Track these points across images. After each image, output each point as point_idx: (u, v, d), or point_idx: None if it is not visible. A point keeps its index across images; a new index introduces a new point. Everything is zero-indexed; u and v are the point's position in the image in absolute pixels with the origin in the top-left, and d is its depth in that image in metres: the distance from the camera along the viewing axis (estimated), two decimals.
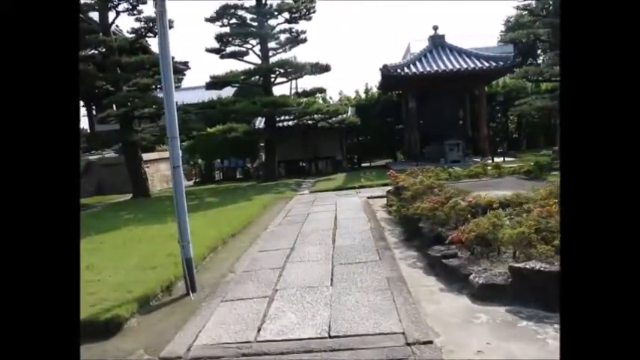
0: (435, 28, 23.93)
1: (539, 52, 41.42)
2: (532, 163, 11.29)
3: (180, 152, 5.97)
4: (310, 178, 22.08)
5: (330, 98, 28.12)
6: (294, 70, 20.23)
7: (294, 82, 24.77)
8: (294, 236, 8.78)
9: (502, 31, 40.16)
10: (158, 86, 20.65)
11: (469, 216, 6.97)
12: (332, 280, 5.91)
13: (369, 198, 13.53)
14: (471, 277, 5.32)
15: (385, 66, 21.41)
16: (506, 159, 21.51)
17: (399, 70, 21.61)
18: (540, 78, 24.33)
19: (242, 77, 20.58)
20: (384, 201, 12.37)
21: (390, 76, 21.65)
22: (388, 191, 11.92)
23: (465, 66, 21.77)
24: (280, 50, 21.22)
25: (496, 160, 21.23)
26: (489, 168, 12.45)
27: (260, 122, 24.49)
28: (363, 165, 29.34)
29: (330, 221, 10.05)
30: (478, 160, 23.17)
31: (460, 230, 6.05)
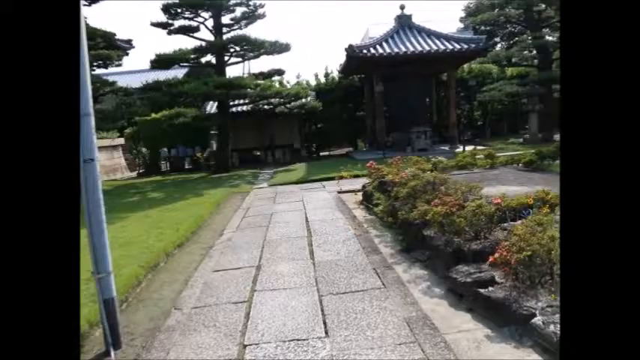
0: (402, 7, 22.23)
1: (497, 39, 40.61)
2: (533, 152, 9.74)
3: (94, 138, 3.89)
4: (267, 168, 20.07)
5: (288, 82, 26.07)
6: (251, 49, 18.05)
7: (249, 65, 22.64)
8: (258, 247, 6.85)
9: (462, 17, 38.97)
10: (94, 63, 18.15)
11: (493, 222, 5.28)
12: (325, 324, 4.03)
13: (340, 193, 11.71)
14: (536, 320, 3.61)
15: (350, 46, 19.58)
16: (477, 147, 20.17)
17: (365, 51, 19.83)
18: (511, 62, 23.17)
19: (192, 56, 18.22)
20: (358, 197, 10.60)
21: (356, 58, 19.84)
22: (365, 186, 10.13)
23: (435, 48, 20.20)
24: (235, 27, 18.95)
25: (467, 148, 19.89)
26: (479, 158, 10.85)
27: (212, 107, 22.23)
28: (322, 154, 27.53)
29: (300, 224, 8.16)
30: (446, 148, 21.80)
31: (504, 247, 4.28)
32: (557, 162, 9.66)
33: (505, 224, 5.44)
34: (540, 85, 21.47)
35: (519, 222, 5.58)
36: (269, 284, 5.14)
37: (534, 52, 22.60)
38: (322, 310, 4.32)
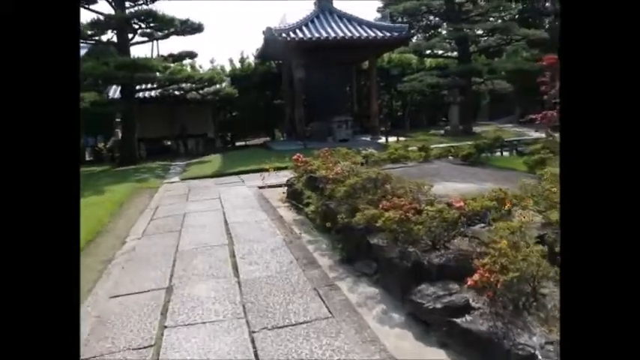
0: None
1: (413, 30, 40.91)
2: (471, 144, 9.14)
3: None
4: (179, 160, 18.46)
5: (200, 67, 24.33)
6: (159, 27, 16.30)
7: (157, 46, 20.81)
8: (169, 259, 5.62)
9: (380, 7, 38.81)
10: None
11: (454, 230, 4.47)
12: None
13: (260, 188, 10.60)
14: None
15: (269, 29, 18.38)
16: (399, 138, 19.76)
17: (284, 35, 18.66)
18: (432, 53, 23.00)
19: (89, 32, 16.14)
20: (281, 192, 9.57)
21: (274, 41, 18.64)
22: (291, 181, 9.10)
23: (357, 34, 19.44)
24: (140, 1, 17.06)
25: (390, 139, 19.42)
26: (412, 150, 10.15)
27: (115, 92, 20.16)
28: (237, 144, 26.13)
29: (219, 228, 6.99)
30: (367, 139, 21.21)
31: (484, 267, 3.41)
32: (497, 154, 9.17)
33: (462, 229, 4.63)
34: (460, 77, 21.38)
35: (480, 227, 4.83)
36: (183, 316, 3.97)
37: (453, 43, 22.49)
38: (255, 355, 3.25)
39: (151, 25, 16.31)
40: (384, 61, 25.91)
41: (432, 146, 10.93)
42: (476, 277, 3.36)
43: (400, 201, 4.74)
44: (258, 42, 21.43)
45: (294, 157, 8.63)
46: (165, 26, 16.32)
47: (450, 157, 9.74)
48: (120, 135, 19.45)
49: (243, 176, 12.69)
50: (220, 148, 21.64)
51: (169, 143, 22.41)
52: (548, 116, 8.01)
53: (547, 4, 28.74)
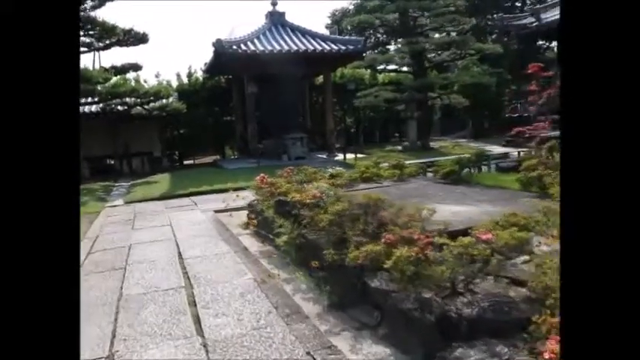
0: (274, 3, 20.39)
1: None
2: (452, 161, 8.32)
3: None
4: (123, 180, 16.95)
5: (145, 81, 22.83)
6: (100, 35, 14.87)
7: (99, 58, 19.30)
8: (110, 310, 4.43)
9: (328, 24, 38.50)
10: None
11: (483, 271, 3.55)
12: None
13: (217, 212, 9.46)
14: None
15: (219, 41, 17.27)
16: (358, 155, 19.00)
17: (234, 47, 17.62)
18: (386, 68, 22.48)
19: None
20: (241, 217, 8.50)
21: (225, 54, 17.54)
22: (253, 204, 8.02)
23: (311, 48, 18.62)
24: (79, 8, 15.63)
25: (348, 156, 18.62)
26: (383, 167, 9.27)
27: None
28: (185, 163, 24.72)
29: (172, 265, 5.82)
30: (324, 156, 20.35)
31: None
32: (483, 172, 8.42)
33: (493, 267, 3.71)
34: (417, 92, 20.91)
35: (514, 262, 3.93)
36: None
37: (407, 58, 22.05)
38: None
39: (90, 32, 14.83)
40: (336, 77, 25.17)
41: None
42: (552, 345, 2.42)
43: (409, 233, 3.78)
44: (207, 56, 20.36)
45: (258, 177, 7.56)
46: (106, 35, 14.91)
47: (427, 175, 8.93)
48: None
49: (195, 198, 11.46)
50: (168, 167, 20.22)
51: (112, 162, 20.77)
52: (539, 128, 7.30)
53: (495, 19, 28.94)
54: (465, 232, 4.06)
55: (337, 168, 9.35)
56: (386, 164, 9.46)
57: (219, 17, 74.06)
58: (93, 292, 5.01)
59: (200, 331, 3.82)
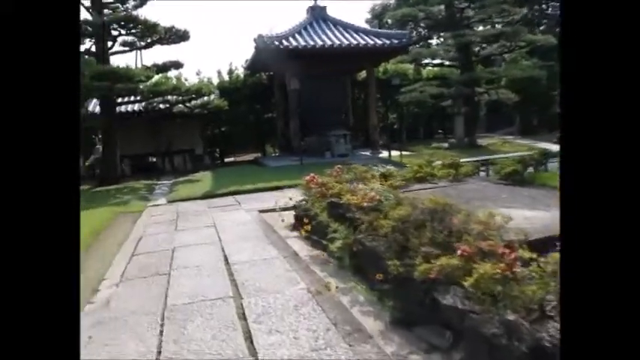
0: None
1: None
2: (514, 160, 7.74)
3: None
4: (165, 178, 16.91)
5: (186, 79, 22.84)
6: (142, 33, 14.81)
7: (141, 57, 19.34)
8: (154, 323, 4.11)
9: (368, 19, 37.84)
10: None
11: None
12: None
13: (262, 212, 9.13)
14: None
15: (260, 37, 17.02)
16: (403, 152, 18.42)
17: (276, 43, 17.32)
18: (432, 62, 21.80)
19: None
20: (288, 217, 8.15)
21: (266, 50, 17.29)
22: (299, 205, 7.64)
23: (354, 42, 18.15)
24: (121, 8, 15.55)
25: (393, 153, 18.07)
26: (436, 166, 8.74)
27: (95, 106, 18.58)
28: (226, 160, 24.64)
29: (219, 271, 5.49)
30: (368, 153, 19.86)
31: None
32: (542, 172, 7.79)
33: None
34: (465, 87, 20.16)
35: None
36: None
37: (454, 52, 21.29)
38: None
39: (132, 31, 14.78)
40: (379, 72, 24.62)
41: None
42: None
43: (489, 245, 3.30)
44: (247, 53, 20.09)
45: (308, 177, 7.17)
46: (147, 33, 14.80)
47: (482, 174, 8.37)
48: (100, 152, 17.79)
49: (238, 197, 11.18)
50: (209, 165, 20.13)
51: (154, 160, 20.83)
52: None
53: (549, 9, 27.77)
54: (544, 243, 3.59)
55: (387, 166, 8.86)
56: (439, 163, 8.92)
57: (259, 14, 74.15)
58: (136, 302, 4.73)
59: (253, 350, 3.45)
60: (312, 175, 7.17)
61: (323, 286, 4.73)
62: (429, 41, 32.72)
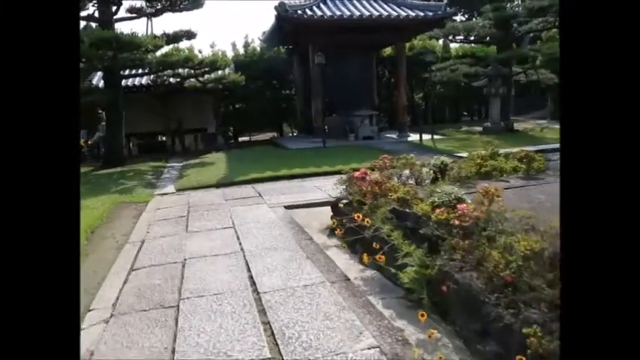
0: None
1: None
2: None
3: None
4: (175, 160, 15.44)
5: (200, 52, 21.21)
6: None
7: (151, 25, 17.69)
8: None
9: None
10: None
11: None
12: None
13: (288, 208, 7.66)
14: None
15: (282, 4, 15.30)
16: (434, 137, 16.80)
17: (299, 12, 15.62)
18: (467, 38, 19.98)
19: None
20: (321, 217, 6.73)
21: (288, 19, 15.60)
22: (341, 203, 6.13)
23: (385, 13, 16.40)
24: None
25: (424, 137, 16.45)
26: (500, 158, 7.15)
27: (99, 79, 17.05)
28: (241, 140, 23.14)
29: (244, 309, 3.97)
30: (394, 136, 18.25)
31: None
32: None
33: None
34: (503, 66, 18.37)
35: None
36: None
37: (489, 28, 19.42)
38: None
39: None
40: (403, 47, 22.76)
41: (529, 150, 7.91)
42: None
43: None
44: (264, 25, 18.43)
45: (358, 173, 5.62)
46: None
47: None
48: (105, 130, 16.28)
49: (258, 186, 9.67)
50: (222, 146, 18.60)
51: (164, 139, 19.33)
52: None
53: None
54: None
55: (442, 158, 7.29)
56: (501, 153, 7.33)
57: None
58: (132, 352, 3.28)
59: None
60: (363, 170, 5.61)
61: (399, 340, 3.24)
62: (454, 18, 30.75)
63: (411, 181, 6.47)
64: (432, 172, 6.78)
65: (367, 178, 5.34)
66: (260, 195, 8.76)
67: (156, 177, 11.92)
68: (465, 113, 28.97)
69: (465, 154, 10.20)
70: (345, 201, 6.11)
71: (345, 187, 6.31)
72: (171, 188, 10.16)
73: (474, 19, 21.49)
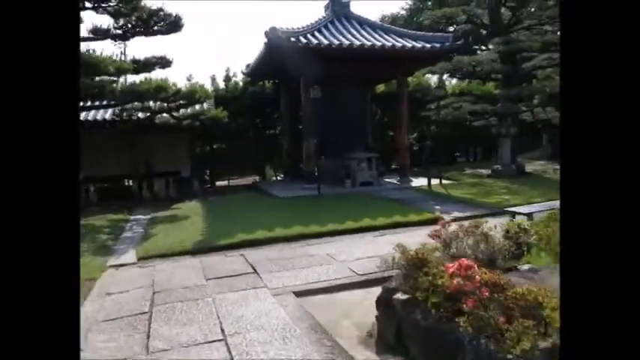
0: None
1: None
2: None
3: None
4: (140, 210, 12.86)
5: (174, 85, 18.84)
6: (117, 11, 10.73)
7: (122, 51, 15.36)
8: None
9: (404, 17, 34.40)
10: None
11: None
12: None
13: (299, 296, 5.27)
14: None
15: (274, 30, 13.19)
16: (442, 182, 14.70)
17: (293, 39, 13.51)
18: (473, 72, 18.10)
19: None
20: (352, 309, 4.43)
21: (280, 47, 13.43)
22: (388, 299, 3.78)
23: (389, 44, 14.43)
24: None
25: (433, 181, 14.30)
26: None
27: None
28: (218, 184, 20.59)
29: None
30: (394, 181, 16.06)
31: None
32: None
33: None
34: (512, 103, 16.52)
35: None
36: None
37: (496, 62, 17.69)
38: None
39: (108, 7, 10.63)
40: (392, 85, 20.75)
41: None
42: None
43: None
44: (247, 59, 16.33)
45: (452, 267, 3.27)
46: (126, 8, 10.69)
47: None
48: None
49: (250, 255, 7.23)
50: (198, 192, 16.08)
51: (130, 183, 16.69)
52: None
53: None
54: None
55: (519, 219, 5.05)
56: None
57: (257, 20, 69.59)
58: None
59: None
60: (459, 262, 3.25)
61: None
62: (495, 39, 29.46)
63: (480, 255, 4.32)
64: (506, 240, 4.69)
65: (471, 271, 2.98)
66: (255, 271, 6.31)
67: (114, 237, 9.31)
68: (458, 154, 27.19)
69: (489, 200, 7.99)
70: (403, 297, 3.81)
71: (395, 266, 4.05)
72: (131, 256, 7.61)
73: (478, 52, 19.77)
